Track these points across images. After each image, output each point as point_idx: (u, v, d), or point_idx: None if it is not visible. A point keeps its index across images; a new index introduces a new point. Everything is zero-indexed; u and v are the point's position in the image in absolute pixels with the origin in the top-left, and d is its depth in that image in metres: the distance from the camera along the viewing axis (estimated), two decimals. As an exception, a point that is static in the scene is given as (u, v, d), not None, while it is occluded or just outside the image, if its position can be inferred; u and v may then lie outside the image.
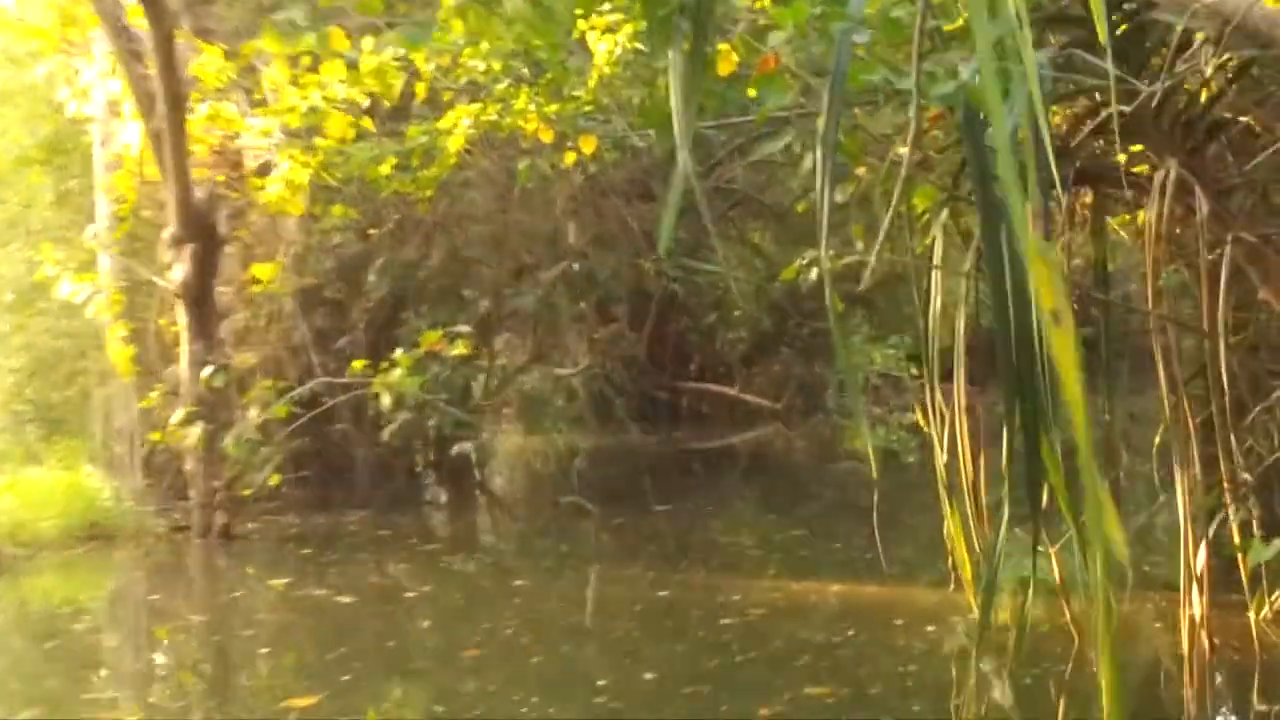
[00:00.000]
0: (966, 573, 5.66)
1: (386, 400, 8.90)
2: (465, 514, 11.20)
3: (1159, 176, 5.34)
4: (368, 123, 9.60)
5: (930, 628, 5.98)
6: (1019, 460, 5.11)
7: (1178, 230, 6.03)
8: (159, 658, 6.19)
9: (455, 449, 10.88)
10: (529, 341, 14.77)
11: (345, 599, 7.02)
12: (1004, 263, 5.08)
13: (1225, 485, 5.05)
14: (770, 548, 8.36)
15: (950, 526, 5.70)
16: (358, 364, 9.11)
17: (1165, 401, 5.28)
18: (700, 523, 9.38)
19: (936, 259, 5.78)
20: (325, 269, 10.57)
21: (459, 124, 9.05)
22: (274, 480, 9.30)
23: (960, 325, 5.83)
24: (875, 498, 5.32)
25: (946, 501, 5.64)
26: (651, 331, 16.28)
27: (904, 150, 5.48)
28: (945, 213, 5.71)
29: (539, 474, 14.15)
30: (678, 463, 13.86)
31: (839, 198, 5.35)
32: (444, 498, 11.71)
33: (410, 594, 7.19)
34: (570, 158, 9.55)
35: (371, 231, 10.64)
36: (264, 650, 6.20)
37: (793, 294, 17.23)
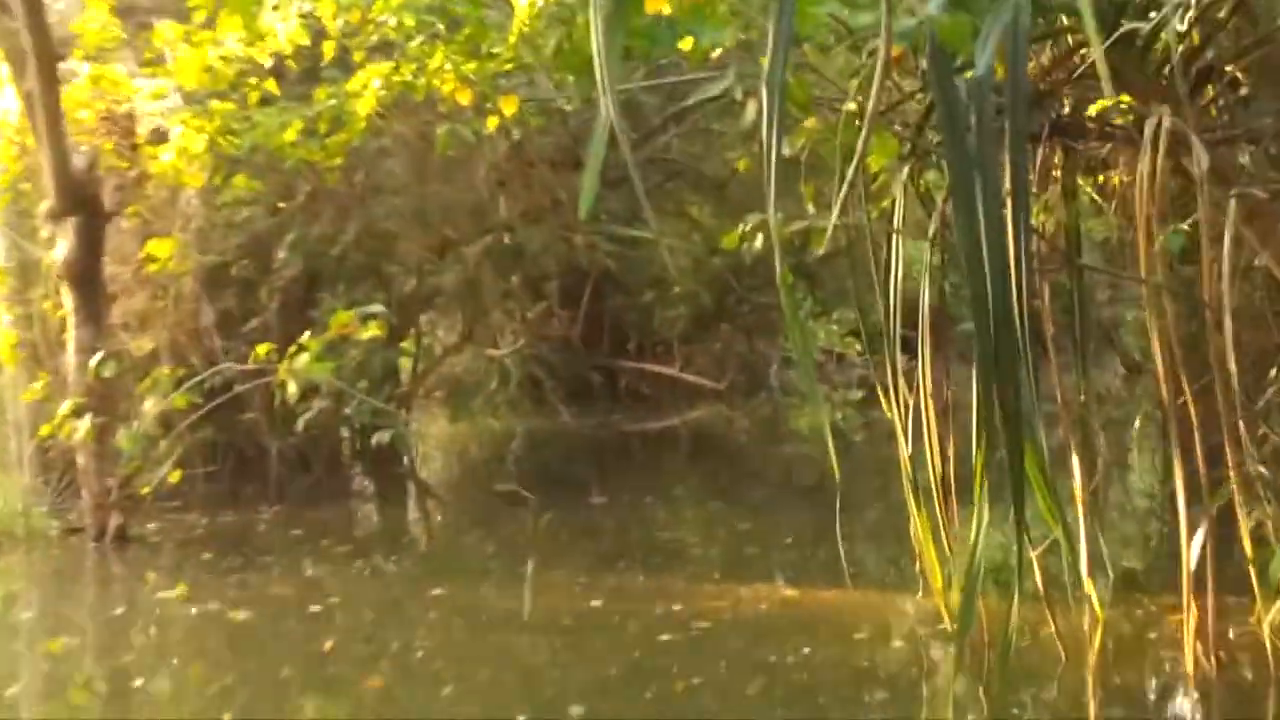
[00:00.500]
0: (936, 580, 4.95)
1: (293, 388, 8.05)
2: (390, 507, 10.37)
3: (1150, 126, 4.62)
4: (272, 85, 8.75)
5: (898, 642, 5.27)
6: (997, 453, 4.41)
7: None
8: (15, 690, 5.33)
9: (375, 438, 10.02)
10: (458, 322, 13.96)
11: (241, 614, 6.18)
12: (979, 224, 4.34)
13: (1234, 478, 4.34)
14: (715, 545, 7.59)
15: (917, 527, 4.98)
16: (263, 348, 8.24)
17: (1163, 383, 4.57)
18: (639, 516, 8.60)
19: (897, 222, 5.04)
20: (231, 246, 9.65)
21: (369, 85, 8.22)
22: (174, 477, 8.41)
23: (925, 299, 5.11)
24: (838, 504, 4.57)
25: (912, 499, 4.91)
26: (587, 309, 15.48)
27: (861, 99, 4.75)
28: (906, 170, 4.97)
29: (473, 461, 13.36)
30: (616, 447, 13.12)
31: (785, 151, 4.57)
32: (370, 489, 10.89)
33: (315, 607, 6.34)
34: (493, 123, 8.71)
35: (282, 205, 9.74)
36: (138, 682, 5.35)
37: (733, 269, 16.51)
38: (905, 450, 4.98)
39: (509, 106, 8.02)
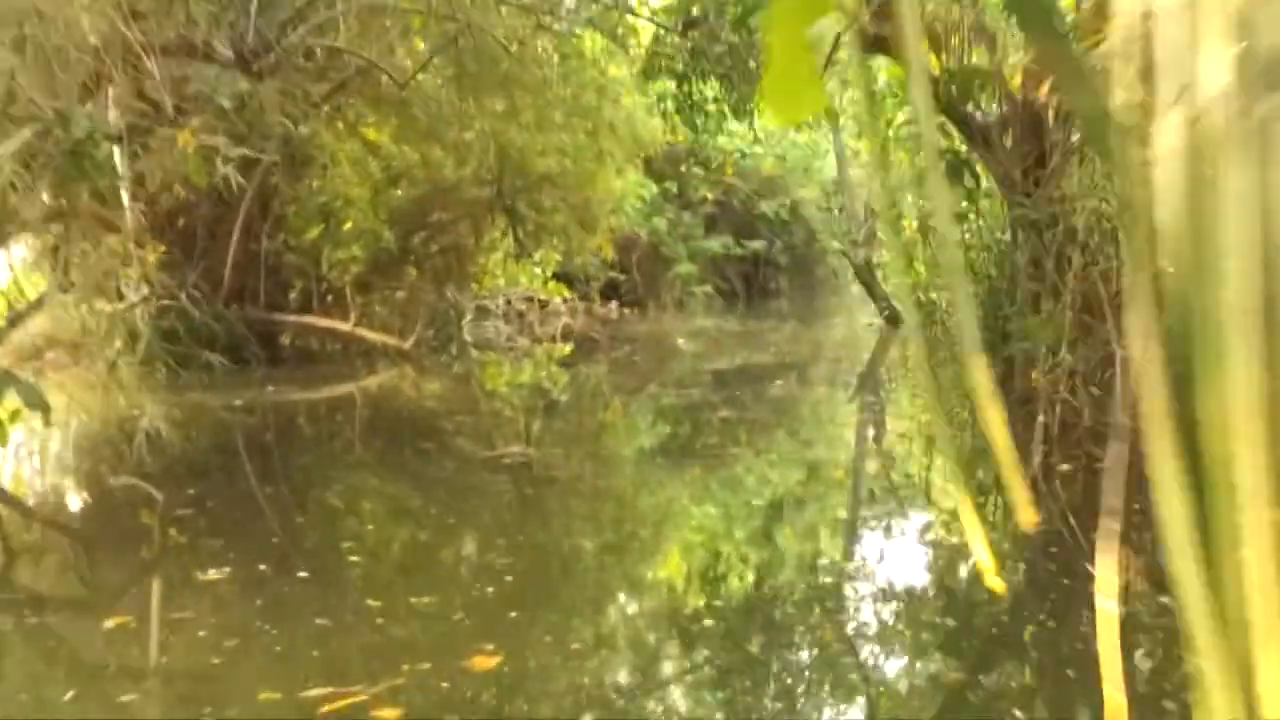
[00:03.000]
0: None
1: None
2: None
3: None
4: None
5: None
6: None
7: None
8: None
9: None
10: (52, 261, 9.77)
11: None
12: None
13: None
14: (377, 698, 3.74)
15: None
16: None
17: None
18: (276, 616, 4.68)
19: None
20: None
21: None
22: None
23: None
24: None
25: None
26: (237, 248, 11.45)
27: None
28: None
29: (82, 456, 9.20)
30: (271, 428, 9.32)
31: None
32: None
33: None
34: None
35: None
36: None
37: (420, 202, 12.82)
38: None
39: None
